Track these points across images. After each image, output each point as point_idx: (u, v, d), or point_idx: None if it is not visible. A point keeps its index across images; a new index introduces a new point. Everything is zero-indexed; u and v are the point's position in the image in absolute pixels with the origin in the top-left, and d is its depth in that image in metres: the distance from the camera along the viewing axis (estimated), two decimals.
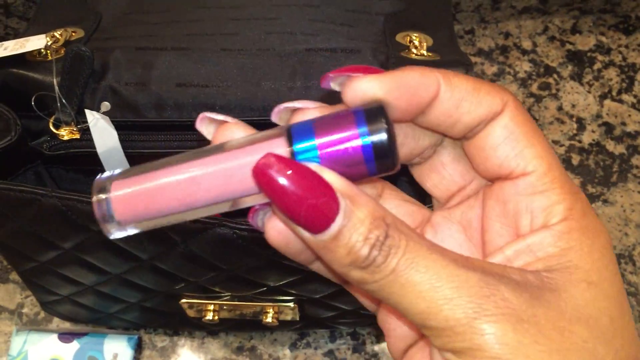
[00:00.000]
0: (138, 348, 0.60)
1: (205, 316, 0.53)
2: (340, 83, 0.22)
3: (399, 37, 0.45)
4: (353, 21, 0.47)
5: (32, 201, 0.41)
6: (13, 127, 0.41)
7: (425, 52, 0.43)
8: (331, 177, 0.20)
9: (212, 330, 0.60)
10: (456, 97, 0.21)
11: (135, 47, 0.44)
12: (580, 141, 0.69)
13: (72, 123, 0.42)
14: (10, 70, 0.42)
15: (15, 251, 0.48)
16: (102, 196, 0.21)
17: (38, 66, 0.42)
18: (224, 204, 0.21)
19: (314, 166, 0.20)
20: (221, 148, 0.21)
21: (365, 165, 0.20)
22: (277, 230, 0.22)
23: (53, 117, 0.42)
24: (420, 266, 0.20)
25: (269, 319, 0.53)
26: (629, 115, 0.70)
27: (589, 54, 0.73)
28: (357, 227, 0.20)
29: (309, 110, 0.22)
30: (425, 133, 0.23)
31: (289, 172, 0.20)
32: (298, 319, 0.54)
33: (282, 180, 0.19)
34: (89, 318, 0.59)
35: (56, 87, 0.41)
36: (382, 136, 0.20)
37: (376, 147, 0.20)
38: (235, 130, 0.23)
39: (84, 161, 0.45)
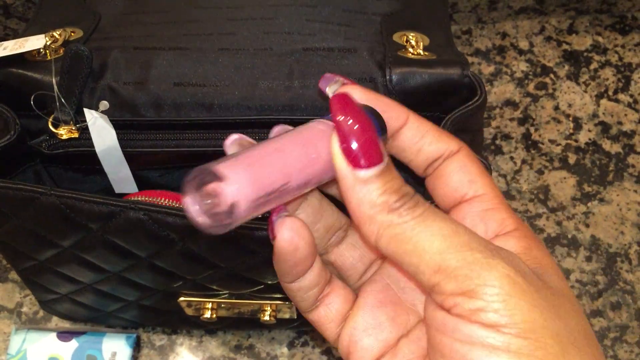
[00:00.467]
0: (136, 347, 0.60)
1: (203, 314, 0.53)
2: (334, 91, 0.26)
3: (395, 37, 0.45)
4: (350, 21, 0.47)
5: (31, 200, 0.41)
6: (12, 126, 0.42)
7: (421, 52, 0.43)
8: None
9: (210, 328, 0.61)
10: (422, 129, 0.26)
11: (133, 46, 0.44)
12: (576, 140, 0.69)
13: (71, 122, 0.42)
14: (9, 69, 0.42)
15: (14, 250, 0.48)
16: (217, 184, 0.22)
17: (37, 66, 0.43)
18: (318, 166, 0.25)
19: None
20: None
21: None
22: (292, 233, 0.24)
23: (52, 117, 0.42)
24: (443, 217, 0.23)
25: (266, 317, 0.53)
26: (625, 115, 0.70)
27: (585, 54, 0.74)
28: (398, 175, 0.24)
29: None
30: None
31: (360, 109, 0.24)
32: (296, 317, 0.54)
33: (353, 109, 0.23)
34: (87, 317, 0.59)
35: (55, 87, 0.41)
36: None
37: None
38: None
39: (83, 160, 0.46)
